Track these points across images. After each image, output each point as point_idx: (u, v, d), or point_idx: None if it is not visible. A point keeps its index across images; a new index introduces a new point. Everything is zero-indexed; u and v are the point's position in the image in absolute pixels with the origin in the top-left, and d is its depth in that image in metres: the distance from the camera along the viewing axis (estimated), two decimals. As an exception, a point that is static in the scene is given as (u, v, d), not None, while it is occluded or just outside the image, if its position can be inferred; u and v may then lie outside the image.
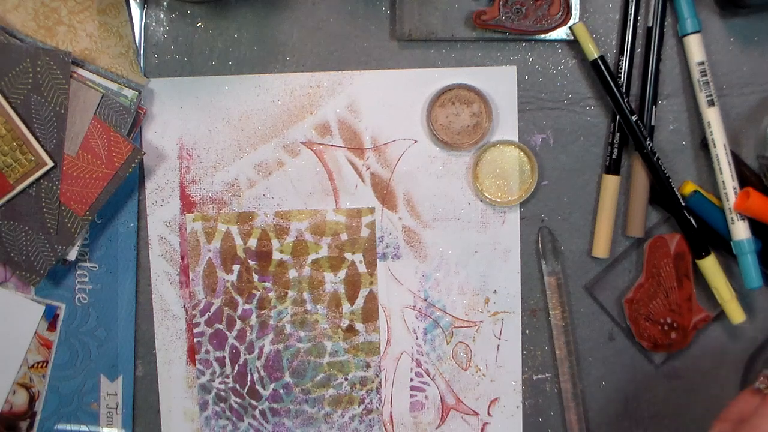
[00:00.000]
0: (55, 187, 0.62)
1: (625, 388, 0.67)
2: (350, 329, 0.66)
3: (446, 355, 0.66)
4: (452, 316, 0.66)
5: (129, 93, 0.62)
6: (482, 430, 0.67)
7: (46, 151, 0.61)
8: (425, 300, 0.66)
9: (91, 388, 0.66)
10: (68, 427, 0.67)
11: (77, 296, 0.66)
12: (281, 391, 0.67)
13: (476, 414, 0.67)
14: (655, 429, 0.67)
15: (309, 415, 0.67)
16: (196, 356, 0.66)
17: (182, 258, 0.65)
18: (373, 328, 0.66)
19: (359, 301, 0.66)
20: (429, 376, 0.66)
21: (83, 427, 0.67)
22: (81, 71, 0.62)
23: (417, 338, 0.66)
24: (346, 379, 0.66)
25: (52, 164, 0.61)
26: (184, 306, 0.66)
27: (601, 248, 0.64)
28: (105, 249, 0.65)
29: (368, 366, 0.66)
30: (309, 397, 0.67)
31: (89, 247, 0.65)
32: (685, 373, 0.67)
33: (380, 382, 0.66)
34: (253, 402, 0.67)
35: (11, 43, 0.61)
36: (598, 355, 0.67)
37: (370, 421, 0.67)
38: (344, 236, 0.65)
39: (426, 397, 0.67)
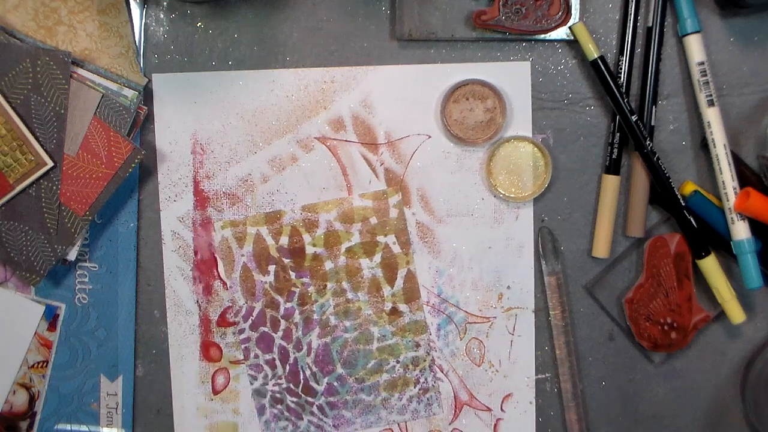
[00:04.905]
0: (55, 187, 0.62)
1: (625, 388, 0.67)
2: (394, 311, 0.66)
3: (459, 351, 0.66)
4: (465, 311, 0.66)
5: (129, 93, 0.62)
6: (495, 425, 0.67)
7: (46, 151, 0.61)
8: (439, 296, 0.66)
9: (91, 388, 0.66)
10: (68, 427, 0.67)
11: (77, 296, 0.66)
12: (335, 383, 0.66)
13: (489, 410, 0.67)
14: (655, 429, 0.67)
15: (367, 403, 0.67)
16: (245, 363, 0.66)
17: (195, 253, 0.65)
18: (416, 306, 0.66)
19: (399, 282, 0.66)
20: (442, 371, 0.66)
21: (83, 427, 0.67)
22: (81, 71, 0.62)
23: (431, 334, 0.66)
24: (397, 362, 0.66)
25: (52, 164, 0.61)
26: (198, 301, 0.66)
27: (601, 248, 0.64)
28: (105, 249, 0.65)
29: (418, 345, 0.66)
30: (364, 386, 0.66)
31: (89, 247, 0.65)
32: (685, 373, 0.67)
33: (432, 359, 0.66)
34: (309, 399, 0.67)
35: (11, 43, 0.61)
36: (598, 355, 0.67)
37: (428, 399, 0.67)
38: (374, 220, 0.65)
39: (439, 393, 0.67)
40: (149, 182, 0.65)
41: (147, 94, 0.64)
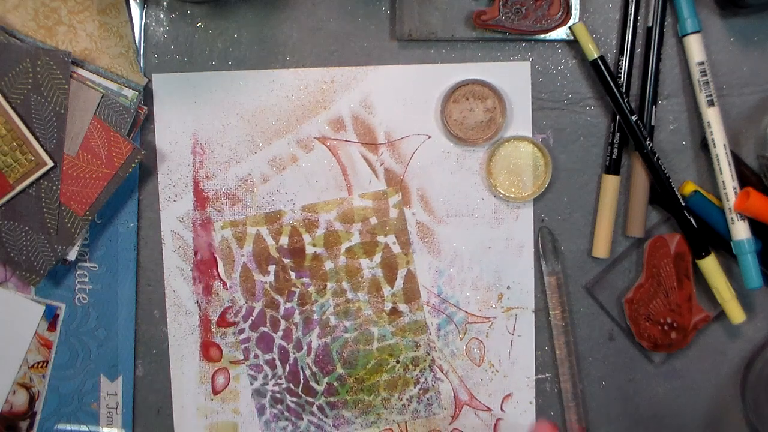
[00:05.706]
0: (55, 187, 0.62)
1: (625, 388, 0.67)
2: (394, 311, 0.66)
3: (459, 351, 0.66)
4: (465, 311, 0.66)
5: (129, 93, 0.62)
6: (495, 425, 0.67)
7: (46, 151, 0.61)
8: (439, 296, 0.66)
9: (91, 388, 0.66)
10: (68, 427, 0.67)
11: (77, 296, 0.66)
12: (335, 383, 0.66)
13: (489, 410, 0.67)
14: (655, 429, 0.67)
15: (367, 403, 0.67)
16: (245, 363, 0.66)
17: (195, 253, 0.65)
18: (416, 306, 0.66)
19: (399, 283, 0.66)
20: (442, 371, 0.66)
21: (83, 427, 0.67)
22: (81, 71, 0.62)
23: (431, 334, 0.66)
24: (397, 362, 0.66)
25: (52, 164, 0.61)
26: (198, 301, 0.66)
27: (601, 248, 0.64)
28: (105, 249, 0.65)
29: (418, 345, 0.66)
30: (364, 386, 0.66)
31: (89, 247, 0.65)
32: (685, 373, 0.67)
33: (432, 359, 0.66)
34: (309, 399, 0.67)
35: (11, 43, 0.61)
36: (598, 355, 0.67)
37: (428, 399, 0.67)
38: (373, 220, 0.65)
39: (439, 393, 0.67)
40: (149, 182, 0.65)
41: (147, 94, 0.64)
